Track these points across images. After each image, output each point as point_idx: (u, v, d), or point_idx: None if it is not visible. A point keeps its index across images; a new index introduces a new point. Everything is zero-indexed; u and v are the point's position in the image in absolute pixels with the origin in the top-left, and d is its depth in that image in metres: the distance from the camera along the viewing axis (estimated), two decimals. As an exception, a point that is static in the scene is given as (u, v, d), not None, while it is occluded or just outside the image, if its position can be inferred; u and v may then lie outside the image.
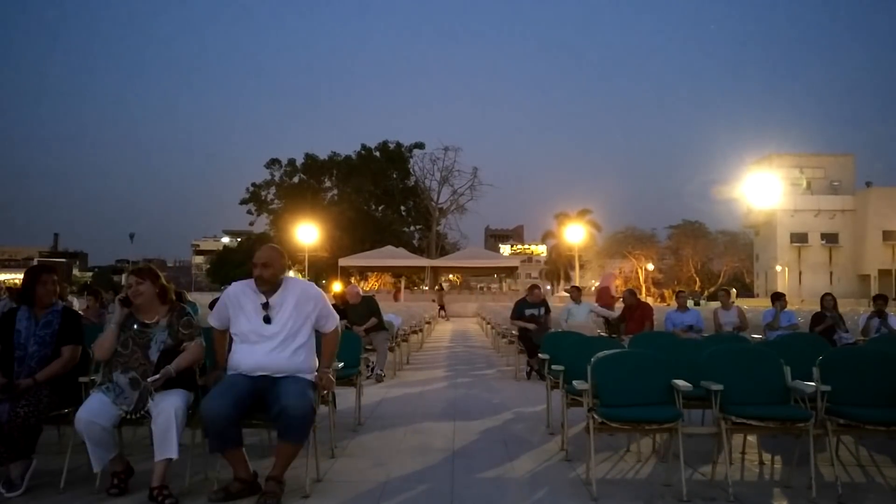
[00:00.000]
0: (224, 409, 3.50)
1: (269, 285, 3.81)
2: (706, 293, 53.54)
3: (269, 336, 3.75)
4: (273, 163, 56.82)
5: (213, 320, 4.01)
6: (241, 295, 3.86)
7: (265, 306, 3.78)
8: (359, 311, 8.83)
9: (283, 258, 3.90)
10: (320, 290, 4.11)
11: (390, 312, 10.44)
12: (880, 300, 8.67)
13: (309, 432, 3.63)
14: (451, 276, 55.97)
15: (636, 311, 9.53)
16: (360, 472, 4.28)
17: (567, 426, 4.83)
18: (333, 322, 4.06)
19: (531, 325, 9.06)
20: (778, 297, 8.99)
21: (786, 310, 8.90)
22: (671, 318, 9.18)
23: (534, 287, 9.89)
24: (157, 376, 3.63)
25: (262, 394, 3.65)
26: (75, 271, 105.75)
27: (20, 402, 3.67)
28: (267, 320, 3.76)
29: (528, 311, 9.35)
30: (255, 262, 3.81)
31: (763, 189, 55.11)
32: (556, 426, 5.26)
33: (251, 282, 3.85)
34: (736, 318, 9.04)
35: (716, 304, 12.98)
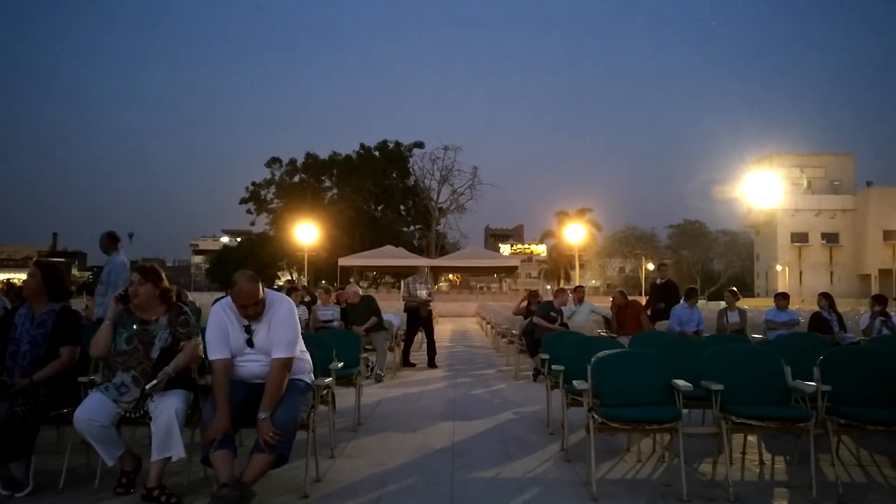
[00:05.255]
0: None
1: (259, 313, 3.70)
2: (706, 293, 53.58)
3: (255, 358, 3.72)
4: (274, 161, 56.92)
5: (216, 351, 3.66)
6: (225, 318, 3.73)
7: (247, 329, 3.72)
8: (359, 311, 8.83)
9: (260, 284, 3.71)
10: (295, 316, 3.83)
11: (390, 312, 10.43)
12: (880, 300, 8.67)
13: (290, 446, 3.49)
14: (450, 275, 55.92)
15: (627, 310, 9.52)
16: (360, 473, 4.27)
17: (567, 426, 4.83)
18: (288, 351, 3.66)
19: (554, 326, 8.59)
20: (783, 297, 9.18)
21: (787, 310, 9.03)
22: (677, 315, 9.21)
23: (560, 291, 9.59)
24: (156, 381, 3.62)
25: (257, 397, 3.64)
26: (74, 271, 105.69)
27: (18, 402, 3.66)
28: (250, 343, 3.72)
29: (551, 314, 9.06)
30: (242, 304, 3.62)
31: (763, 188, 55.16)
32: (556, 426, 5.25)
33: (233, 305, 3.71)
34: (739, 318, 9.12)
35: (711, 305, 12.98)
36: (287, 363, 3.67)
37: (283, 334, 3.69)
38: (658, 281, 10.72)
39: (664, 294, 10.03)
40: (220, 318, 3.73)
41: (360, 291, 9.46)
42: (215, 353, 3.67)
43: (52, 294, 4.08)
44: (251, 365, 3.72)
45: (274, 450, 3.42)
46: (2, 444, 3.62)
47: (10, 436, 3.60)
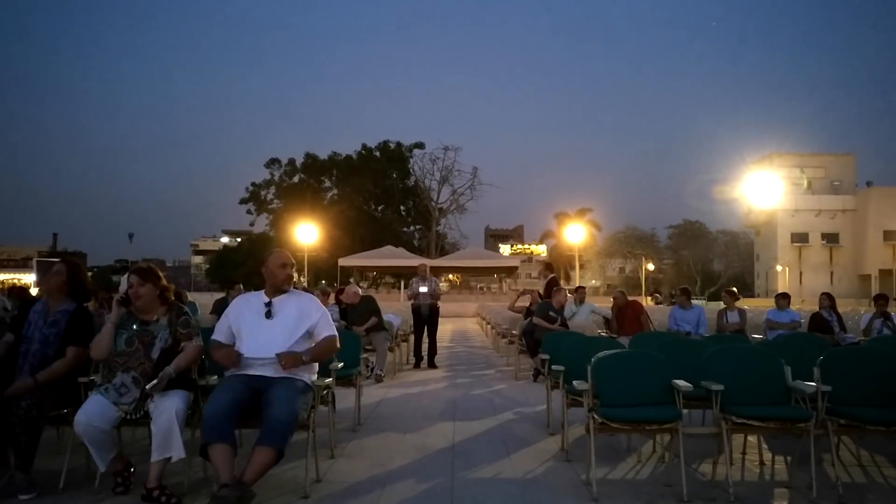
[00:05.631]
0: (223, 402, 3.53)
1: (291, 282, 4.02)
2: (707, 293, 53.57)
3: (270, 329, 3.86)
4: (273, 162, 56.95)
5: (217, 334, 3.99)
6: (244, 302, 4.08)
7: (268, 304, 3.93)
8: (358, 311, 8.83)
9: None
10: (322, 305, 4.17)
11: (390, 312, 10.45)
12: (882, 300, 8.70)
13: (287, 441, 3.51)
14: (450, 276, 55.91)
15: (627, 310, 9.52)
16: (360, 473, 4.27)
17: (567, 426, 4.83)
18: (332, 331, 4.07)
19: (554, 326, 8.52)
20: (784, 297, 9.26)
21: (787, 309, 9.08)
22: (675, 315, 9.23)
23: (557, 291, 9.42)
24: (157, 381, 3.62)
25: (258, 395, 3.65)
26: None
27: (24, 398, 3.65)
28: (268, 315, 3.90)
29: (551, 314, 8.96)
30: (284, 262, 4.02)
31: (764, 189, 55.11)
32: (556, 426, 5.26)
33: (258, 293, 4.09)
34: (739, 318, 9.14)
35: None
36: (336, 338, 4.04)
37: (321, 319, 4.04)
38: (543, 281, 11.48)
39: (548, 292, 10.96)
40: (236, 308, 4.03)
41: (360, 291, 9.47)
42: (216, 335, 3.97)
43: (73, 294, 4.10)
44: (264, 337, 3.81)
45: (271, 440, 3.42)
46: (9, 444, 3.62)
47: (14, 431, 3.58)
